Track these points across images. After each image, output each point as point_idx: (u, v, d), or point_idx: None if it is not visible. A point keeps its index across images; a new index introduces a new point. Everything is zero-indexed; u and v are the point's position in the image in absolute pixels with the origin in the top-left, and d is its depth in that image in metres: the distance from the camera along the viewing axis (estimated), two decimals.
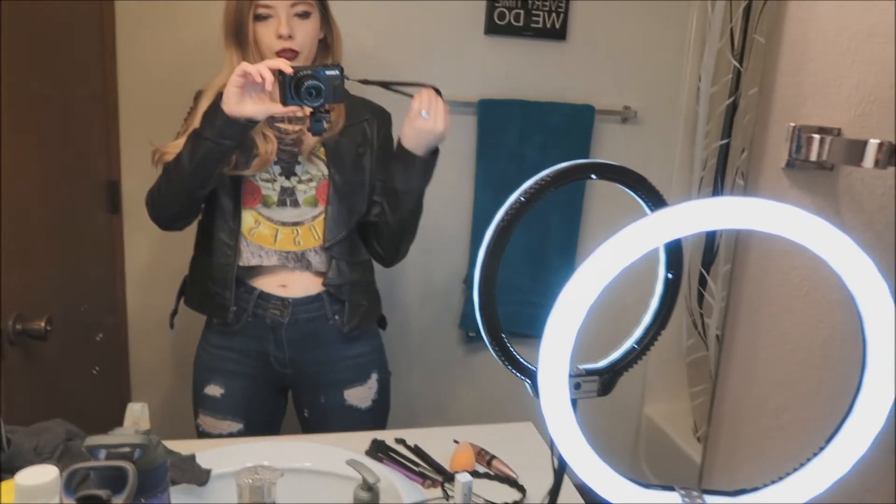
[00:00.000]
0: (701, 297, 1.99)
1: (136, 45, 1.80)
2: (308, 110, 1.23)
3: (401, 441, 1.20)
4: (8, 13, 1.22)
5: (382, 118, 1.46)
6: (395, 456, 1.15)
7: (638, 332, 0.87)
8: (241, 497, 0.82)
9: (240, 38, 1.30)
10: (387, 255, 1.46)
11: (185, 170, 1.25)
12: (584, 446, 0.63)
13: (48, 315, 1.28)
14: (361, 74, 1.38)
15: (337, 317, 1.41)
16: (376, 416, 1.47)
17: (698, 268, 2.02)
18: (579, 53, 2.03)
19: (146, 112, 1.84)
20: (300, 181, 1.36)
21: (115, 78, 1.80)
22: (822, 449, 0.61)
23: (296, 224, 1.36)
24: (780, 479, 0.63)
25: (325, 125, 1.23)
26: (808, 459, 0.62)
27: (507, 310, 2.23)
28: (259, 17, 1.29)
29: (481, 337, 2.02)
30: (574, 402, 0.81)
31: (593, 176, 0.78)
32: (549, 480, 0.90)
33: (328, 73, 1.18)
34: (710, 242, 1.91)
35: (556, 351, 0.60)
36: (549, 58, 2.01)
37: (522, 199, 0.75)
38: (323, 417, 1.47)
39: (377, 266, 1.52)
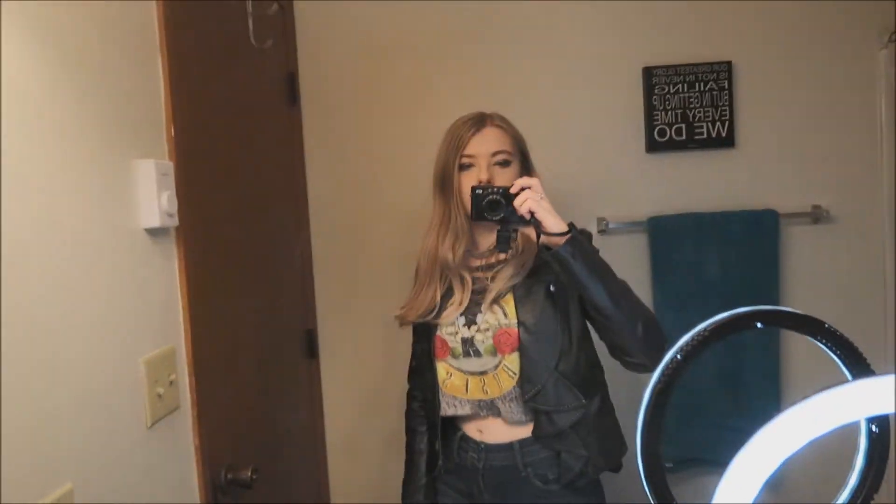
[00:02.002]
0: None
1: (325, 208, 2.04)
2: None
3: None
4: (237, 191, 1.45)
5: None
6: None
7: (844, 495, 0.75)
8: None
9: (445, 186, 1.41)
10: (640, 360, 1.28)
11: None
12: None
13: (253, 465, 1.40)
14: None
15: (530, 469, 1.37)
16: None
17: None
18: (752, 157, 1.94)
19: (337, 265, 2.04)
20: (479, 330, 1.38)
21: (308, 232, 2.03)
22: None
23: (482, 373, 1.38)
24: None
25: (512, 245, 1.31)
26: None
27: (704, 435, 2.04)
28: (463, 167, 1.39)
29: (676, 469, 1.84)
30: None
31: (759, 325, 0.71)
32: None
33: (511, 190, 1.29)
34: None
35: None
36: (718, 167, 1.94)
37: (679, 357, 0.70)
38: None
39: None
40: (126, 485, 1.06)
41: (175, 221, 1.21)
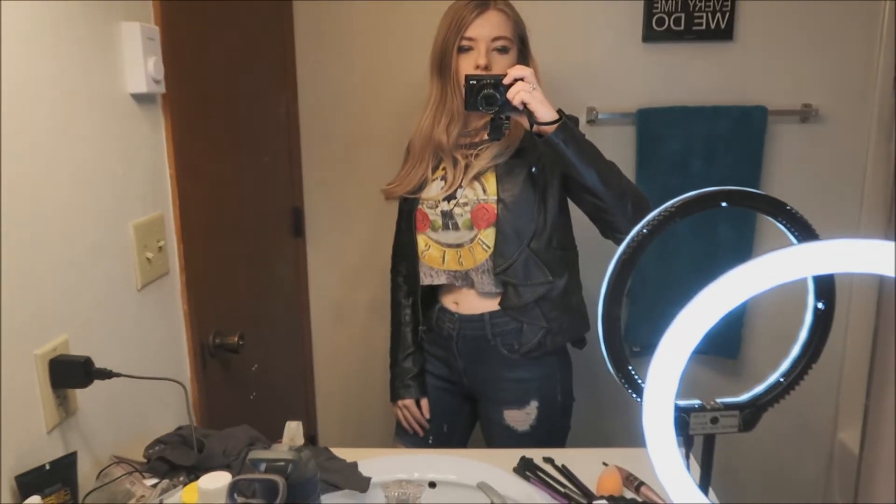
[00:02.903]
0: None
1: (314, 83, 2.01)
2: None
3: (549, 460, 1.21)
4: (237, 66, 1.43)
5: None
6: (541, 475, 1.17)
7: (785, 364, 0.81)
8: None
9: (442, 68, 1.42)
10: (625, 229, 1.27)
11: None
12: (691, 485, 0.61)
13: (240, 331, 1.47)
14: None
15: (498, 339, 1.45)
16: (537, 441, 1.47)
17: None
18: (749, 52, 1.91)
19: (325, 143, 2.05)
20: (458, 204, 1.43)
21: (296, 112, 2.01)
22: None
23: (458, 246, 1.45)
24: None
25: (505, 132, 1.32)
26: None
27: (670, 323, 2.15)
28: (462, 49, 1.38)
29: (644, 352, 1.96)
30: (710, 439, 0.79)
31: (724, 204, 0.75)
32: None
33: (504, 81, 1.28)
34: None
35: (660, 382, 0.59)
36: (714, 60, 1.92)
37: (645, 231, 0.74)
38: (487, 430, 1.55)
39: None
40: (118, 340, 1.11)
41: (162, 88, 1.20)
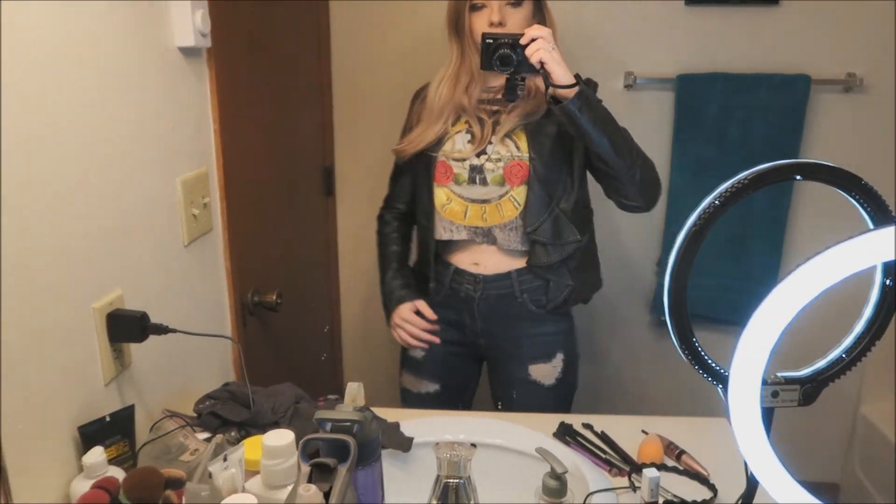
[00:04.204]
0: None
1: (347, 45, 1.98)
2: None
3: (588, 426, 1.23)
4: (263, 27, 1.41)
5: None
6: (581, 441, 1.18)
7: (848, 340, 0.81)
8: (440, 469, 0.91)
9: (458, 28, 1.40)
10: (638, 203, 1.38)
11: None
12: (773, 460, 0.62)
13: (278, 290, 1.47)
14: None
15: (525, 295, 1.46)
16: (560, 394, 1.50)
17: None
18: (794, 17, 1.87)
19: (356, 102, 2.02)
20: (489, 160, 1.41)
21: (329, 71, 1.99)
22: None
23: (484, 202, 1.43)
24: None
25: (519, 93, 1.31)
26: None
27: (706, 294, 2.13)
28: (474, 8, 1.37)
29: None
30: (769, 412, 0.79)
31: (798, 177, 0.73)
32: (742, 482, 0.88)
33: (521, 41, 1.26)
34: None
35: (748, 366, 0.59)
36: (758, 25, 1.87)
37: (717, 202, 0.73)
38: (508, 388, 1.55)
39: None
40: (167, 296, 1.12)
41: (208, 42, 1.19)
